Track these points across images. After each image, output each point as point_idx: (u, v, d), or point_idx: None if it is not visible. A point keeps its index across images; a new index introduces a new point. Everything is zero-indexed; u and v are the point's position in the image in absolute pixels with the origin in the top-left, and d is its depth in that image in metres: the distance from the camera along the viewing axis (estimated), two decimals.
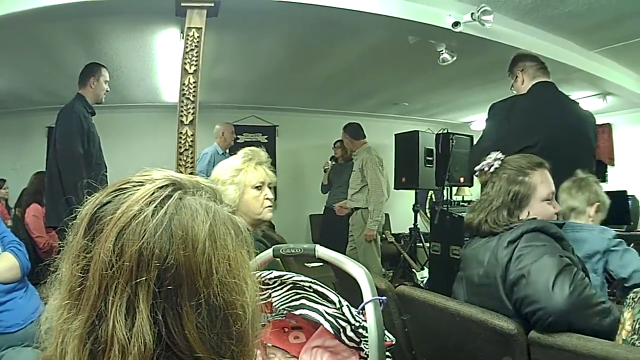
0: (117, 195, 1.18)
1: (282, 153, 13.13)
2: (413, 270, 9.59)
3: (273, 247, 2.32)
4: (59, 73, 8.34)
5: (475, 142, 5.95)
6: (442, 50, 7.08)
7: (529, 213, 3.23)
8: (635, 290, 2.72)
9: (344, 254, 2.36)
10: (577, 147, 4.83)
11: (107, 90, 6.30)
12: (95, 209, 1.17)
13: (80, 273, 1.13)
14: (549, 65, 5.24)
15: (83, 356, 1.09)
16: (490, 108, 5.29)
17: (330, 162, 10.97)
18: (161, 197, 1.16)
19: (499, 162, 3.37)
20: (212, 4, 5.74)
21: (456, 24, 6.18)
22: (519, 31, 6.73)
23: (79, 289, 1.13)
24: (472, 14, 6.06)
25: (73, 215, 1.20)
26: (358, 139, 9.59)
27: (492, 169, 3.38)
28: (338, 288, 3.99)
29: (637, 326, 2.55)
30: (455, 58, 7.12)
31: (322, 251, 2.23)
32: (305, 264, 5.89)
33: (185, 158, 5.74)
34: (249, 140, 12.91)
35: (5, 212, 9.28)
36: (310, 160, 13.02)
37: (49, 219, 6.26)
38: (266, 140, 13.14)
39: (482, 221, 3.23)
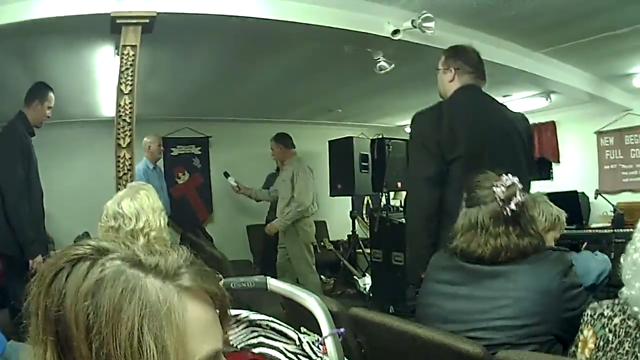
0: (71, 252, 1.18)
1: (216, 164, 13.03)
2: (355, 277, 9.60)
3: (223, 281, 2.25)
4: (3, 91, 8.10)
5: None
6: (379, 59, 7.05)
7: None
8: (591, 306, 2.70)
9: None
10: (506, 153, 4.66)
11: (48, 116, 6.24)
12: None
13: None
14: (491, 69, 5.13)
15: None
16: (414, 118, 4.86)
17: (233, 180, 10.74)
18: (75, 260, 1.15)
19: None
20: (147, 21, 5.65)
21: (396, 31, 6.12)
22: (461, 35, 6.61)
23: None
24: (413, 21, 5.99)
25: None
26: (289, 149, 9.55)
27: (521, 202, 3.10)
28: (286, 307, 3.94)
29: (601, 343, 2.52)
30: (392, 66, 7.10)
31: (274, 284, 2.21)
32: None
33: (124, 182, 5.59)
34: (183, 152, 12.81)
35: None
36: (245, 170, 12.94)
37: None
38: (200, 152, 13.03)
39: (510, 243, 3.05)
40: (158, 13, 5.61)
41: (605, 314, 2.56)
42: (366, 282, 9.27)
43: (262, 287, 2.20)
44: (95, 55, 7.20)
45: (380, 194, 9.40)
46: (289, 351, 1.93)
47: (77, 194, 9.49)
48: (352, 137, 10.41)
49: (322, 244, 10.78)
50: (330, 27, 6.16)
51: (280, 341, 1.97)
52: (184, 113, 12.12)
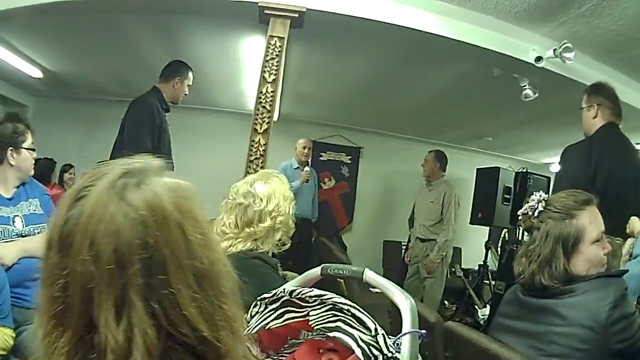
0: (76, 205, 1.17)
1: (364, 175, 13.31)
2: (476, 306, 9.49)
3: (322, 265, 2.33)
4: (137, 66, 8.47)
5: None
6: (525, 86, 7.08)
7: (580, 259, 2.97)
8: None
9: None
10: (634, 195, 4.63)
11: (186, 94, 6.33)
12: (61, 225, 1.16)
13: (60, 292, 1.12)
14: (629, 113, 5.11)
15: None
16: (565, 151, 5.12)
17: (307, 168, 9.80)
18: (119, 189, 1.17)
19: (543, 203, 3.12)
20: (297, 15, 5.80)
21: (539, 58, 6.18)
22: (599, 72, 6.54)
23: (61, 308, 1.12)
24: (555, 49, 6.03)
25: None
26: (441, 170, 9.63)
27: (536, 213, 3.12)
28: (392, 316, 3.96)
29: None
30: (537, 95, 7.08)
31: (370, 275, 2.20)
32: (370, 289, 5.81)
33: (254, 167, 5.78)
34: (332, 159, 12.97)
35: None
36: (390, 185, 13.01)
37: None
38: (349, 161, 13.25)
39: (536, 272, 2.97)
40: (308, 9, 5.75)
41: None
42: (485, 312, 9.15)
43: (358, 277, 2.22)
44: (244, 44, 7.38)
45: (516, 227, 9.27)
46: (362, 340, 1.91)
47: (211, 182, 9.53)
48: (498, 168, 10.24)
49: (453, 269, 10.71)
50: (482, 48, 6.23)
51: (357, 329, 1.96)
52: (338, 120, 12.36)
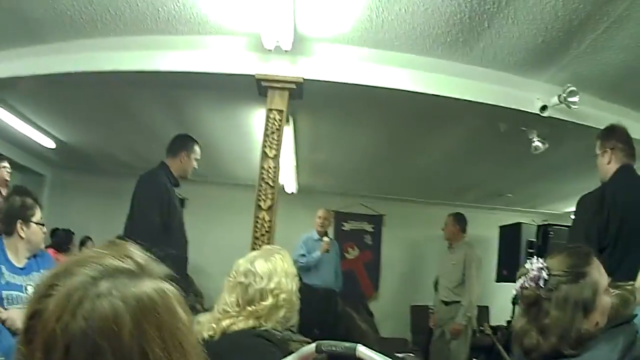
0: (42, 301, 1.11)
1: (388, 242, 13.36)
2: None
3: (316, 342, 2.36)
4: (150, 139, 8.40)
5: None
6: (533, 138, 7.01)
7: (596, 315, 2.67)
8: None
9: None
10: None
11: (195, 168, 6.29)
12: (27, 317, 1.12)
13: None
14: (637, 147, 5.03)
15: None
16: (579, 201, 5.01)
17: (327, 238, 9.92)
18: (76, 300, 1.08)
19: (546, 271, 2.69)
20: (294, 86, 5.76)
21: (544, 107, 6.12)
22: (605, 111, 6.49)
23: None
24: (559, 95, 5.95)
25: None
26: (462, 232, 9.66)
27: (542, 283, 2.67)
28: None
29: None
30: (547, 146, 7.03)
31: (362, 351, 2.22)
32: (396, 354, 5.79)
33: (260, 244, 5.58)
34: (355, 228, 13.05)
35: None
36: (414, 250, 13.01)
37: None
38: (372, 229, 13.33)
39: (556, 345, 2.61)
40: (305, 79, 5.74)
41: None
42: None
43: (351, 353, 2.24)
44: (254, 116, 7.34)
45: None
46: None
47: (232, 255, 9.50)
48: (520, 223, 10.36)
49: (481, 328, 10.65)
50: (485, 104, 6.19)
51: None
52: (357, 189, 12.48)
